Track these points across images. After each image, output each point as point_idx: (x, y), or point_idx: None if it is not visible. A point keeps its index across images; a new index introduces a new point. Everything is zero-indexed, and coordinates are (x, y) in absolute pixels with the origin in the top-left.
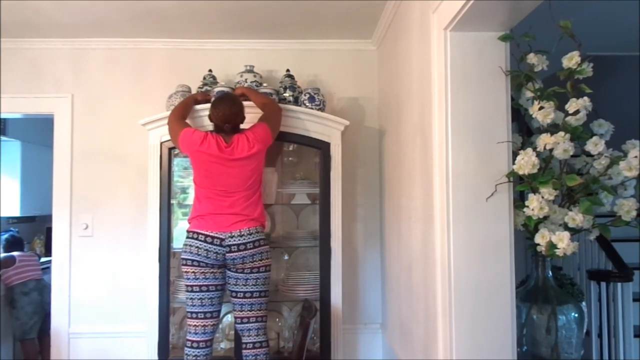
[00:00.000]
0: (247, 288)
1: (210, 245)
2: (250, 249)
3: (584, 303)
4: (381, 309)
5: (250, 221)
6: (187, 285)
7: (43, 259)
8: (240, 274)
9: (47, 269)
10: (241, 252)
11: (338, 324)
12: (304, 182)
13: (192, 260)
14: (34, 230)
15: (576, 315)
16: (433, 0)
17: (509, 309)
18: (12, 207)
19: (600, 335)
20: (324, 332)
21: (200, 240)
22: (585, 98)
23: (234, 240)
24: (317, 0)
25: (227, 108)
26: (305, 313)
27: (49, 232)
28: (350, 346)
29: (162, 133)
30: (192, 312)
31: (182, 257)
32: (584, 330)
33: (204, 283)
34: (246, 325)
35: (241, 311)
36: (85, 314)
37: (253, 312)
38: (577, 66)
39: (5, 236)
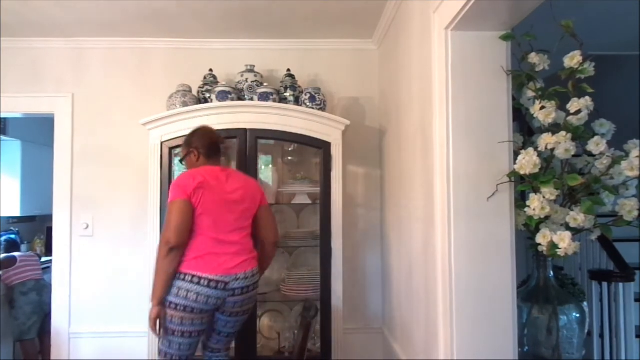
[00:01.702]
0: (233, 329)
1: (213, 291)
2: (251, 291)
3: (585, 303)
4: (382, 309)
5: (253, 260)
6: (169, 328)
7: (43, 259)
8: (233, 318)
9: (47, 268)
10: (242, 296)
11: (339, 324)
12: (304, 181)
13: (186, 307)
14: (34, 230)
15: (577, 315)
16: (434, 0)
17: (510, 309)
18: (12, 207)
19: (601, 336)
20: (325, 333)
21: (203, 286)
22: (587, 98)
23: (239, 284)
24: (318, 0)
25: (208, 129)
26: (306, 313)
27: (49, 231)
28: (350, 346)
29: (163, 133)
30: (167, 353)
31: (172, 300)
32: (586, 331)
33: (190, 329)
34: (215, 352)
35: (217, 344)
36: (86, 314)
37: (227, 344)
38: (579, 66)
39: (3, 237)
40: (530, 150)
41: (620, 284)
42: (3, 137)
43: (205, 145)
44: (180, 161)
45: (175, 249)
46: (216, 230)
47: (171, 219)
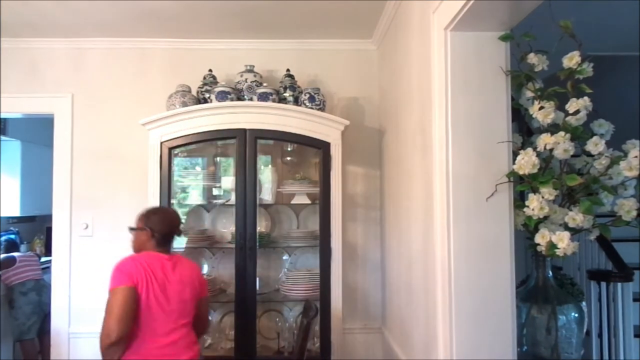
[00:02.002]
0: None
1: None
2: None
3: (584, 303)
4: (381, 309)
5: (196, 355)
6: None
7: (43, 259)
8: None
9: (47, 268)
10: None
11: (338, 324)
12: (304, 182)
13: None
14: (34, 230)
15: (576, 315)
16: (433, 0)
17: (509, 309)
18: (12, 207)
19: (600, 335)
20: (324, 332)
21: None
22: (586, 98)
23: None
24: (317, 0)
25: (172, 216)
26: (306, 313)
27: (49, 232)
28: (350, 346)
29: (163, 133)
30: None
31: None
32: (584, 330)
33: None
34: None
35: None
36: (85, 313)
37: None
38: (578, 66)
39: (3, 237)
40: (529, 150)
41: (619, 284)
42: (3, 137)
43: (163, 232)
44: (130, 229)
45: (116, 344)
46: (156, 330)
47: (113, 309)
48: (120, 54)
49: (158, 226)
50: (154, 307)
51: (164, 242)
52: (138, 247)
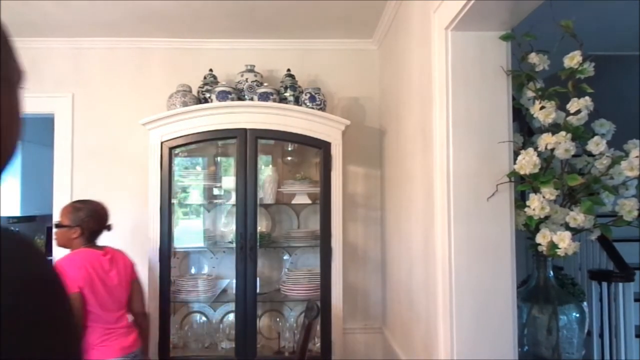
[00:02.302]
0: None
1: None
2: None
3: (585, 303)
4: (382, 309)
5: (138, 337)
6: None
7: None
8: None
9: None
10: None
11: (338, 323)
12: (304, 181)
13: None
14: (34, 230)
15: (577, 315)
16: (434, 0)
17: (510, 309)
18: (12, 207)
19: (601, 335)
20: (325, 332)
21: None
22: (587, 98)
23: None
24: (317, 0)
25: (102, 211)
26: (308, 313)
27: (49, 231)
28: (350, 346)
29: (163, 133)
30: None
31: None
32: (585, 330)
33: None
34: None
35: None
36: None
37: None
38: (579, 66)
39: None
40: (530, 150)
41: (620, 284)
42: None
43: (93, 230)
44: (55, 225)
45: None
46: (104, 321)
47: None
48: (120, 54)
49: (87, 224)
50: (99, 305)
51: (92, 239)
52: (63, 244)
